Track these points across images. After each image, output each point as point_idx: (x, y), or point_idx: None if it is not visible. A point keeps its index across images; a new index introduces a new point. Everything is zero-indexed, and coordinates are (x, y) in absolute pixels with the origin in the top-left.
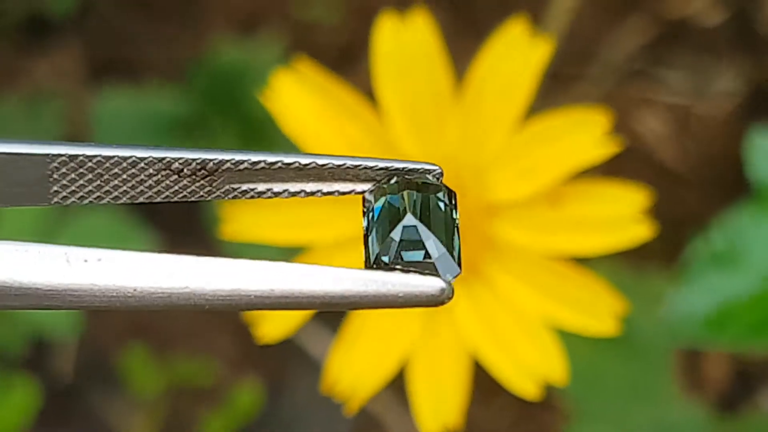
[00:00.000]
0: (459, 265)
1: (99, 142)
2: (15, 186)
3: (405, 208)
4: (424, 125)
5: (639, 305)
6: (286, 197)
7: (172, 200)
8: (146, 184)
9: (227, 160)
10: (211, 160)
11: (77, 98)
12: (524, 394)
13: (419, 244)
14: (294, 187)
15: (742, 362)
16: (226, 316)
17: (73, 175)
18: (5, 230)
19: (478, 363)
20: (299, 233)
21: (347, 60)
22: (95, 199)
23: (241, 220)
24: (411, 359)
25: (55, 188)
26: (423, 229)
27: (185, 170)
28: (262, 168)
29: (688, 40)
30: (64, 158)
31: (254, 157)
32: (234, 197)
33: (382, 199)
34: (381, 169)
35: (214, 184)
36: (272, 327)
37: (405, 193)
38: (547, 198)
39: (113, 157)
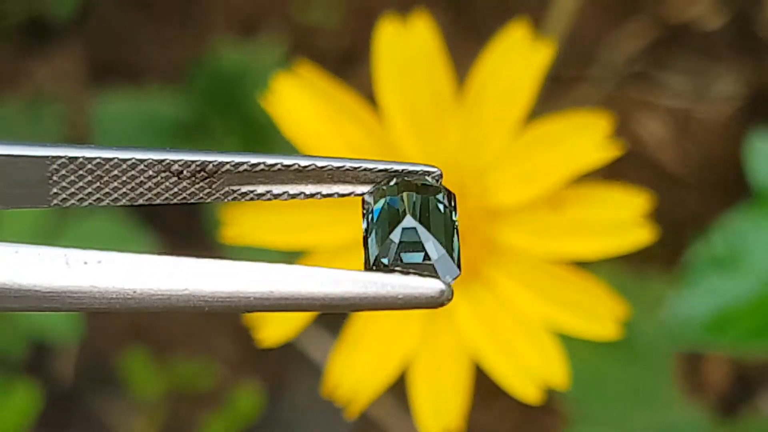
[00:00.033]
0: (458, 266)
1: (99, 144)
2: (15, 188)
3: (404, 209)
4: (425, 128)
5: (640, 308)
6: (286, 199)
7: (172, 202)
8: (146, 186)
9: (227, 162)
10: (210, 161)
11: (77, 100)
12: (525, 397)
13: (419, 246)
14: (293, 189)
15: (742, 365)
16: (226, 318)
17: (72, 177)
18: (5, 232)
19: (479, 366)
20: (300, 236)
21: (348, 63)
22: (95, 201)
23: (241, 223)
24: (412, 363)
25: (54, 190)
26: (422, 231)
27: (185, 172)
28: (262, 170)
29: (688, 43)
30: (63, 160)
31: (253, 159)
32: (233, 199)
33: (382, 201)
34: (380, 170)
35: (213, 186)
36: (273, 330)
37: (404, 194)
38: (548, 201)
39: (113, 159)
